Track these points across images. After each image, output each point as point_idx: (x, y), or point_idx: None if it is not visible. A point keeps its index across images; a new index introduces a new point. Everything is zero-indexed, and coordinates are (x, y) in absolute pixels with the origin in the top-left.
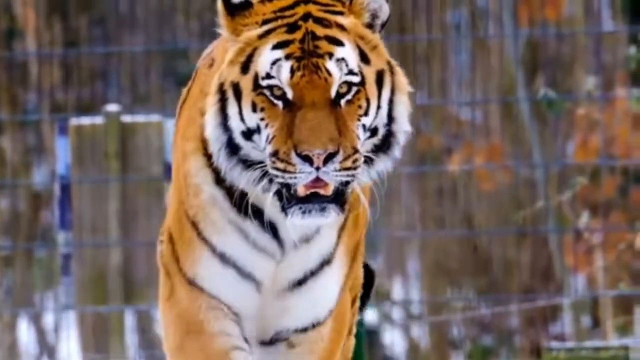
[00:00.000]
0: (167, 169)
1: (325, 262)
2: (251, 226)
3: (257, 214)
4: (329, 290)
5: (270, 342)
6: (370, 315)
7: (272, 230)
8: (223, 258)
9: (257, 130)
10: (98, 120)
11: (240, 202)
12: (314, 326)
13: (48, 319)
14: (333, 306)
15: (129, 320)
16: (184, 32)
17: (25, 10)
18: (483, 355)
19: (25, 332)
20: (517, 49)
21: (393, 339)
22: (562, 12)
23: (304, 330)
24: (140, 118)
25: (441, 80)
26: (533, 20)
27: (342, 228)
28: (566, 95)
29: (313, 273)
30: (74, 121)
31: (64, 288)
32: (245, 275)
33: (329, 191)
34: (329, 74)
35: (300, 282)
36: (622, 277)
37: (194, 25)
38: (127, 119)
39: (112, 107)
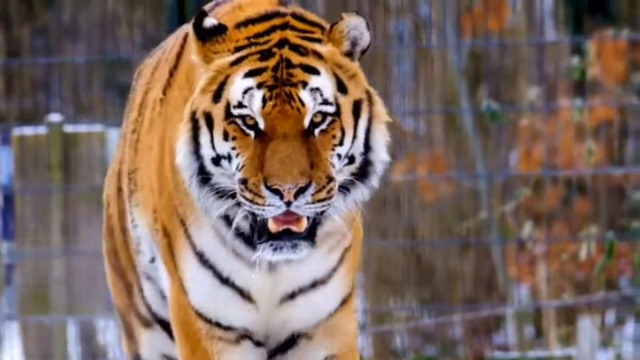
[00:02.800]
0: None
1: (320, 282)
2: (227, 232)
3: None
4: (322, 306)
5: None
6: None
7: (247, 239)
8: (202, 258)
9: (228, 158)
10: (41, 130)
11: None
12: (299, 336)
13: None
14: (324, 317)
15: (72, 330)
16: (127, 43)
17: None
18: None
19: None
20: (461, 59)
21: None
22: (505, 23)
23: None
24: (83, 128)
25: (384, 91)
26: (476, 31)
27: (347, 249)
28: (509, 106)
29: (302, 290)
30: (17, 131)
31: (6, 298)
32: (224, 280)
33: (301, 228)
34: (303, 104)
35: (292, 296)
36: (565, 287)
37: (137, 36)
38: (70, 129)
39: (55, 118)
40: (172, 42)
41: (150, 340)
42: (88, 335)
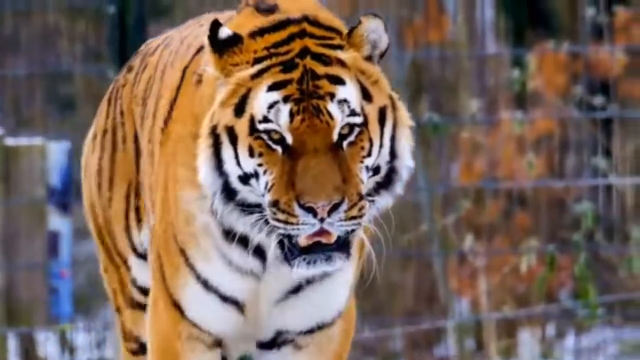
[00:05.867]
0: (51, 192)
1: (310, 282)
2: (235, 251)
3: (243, 239)
4: (335, 292)
5: (274, 346)
6: None
7: (258, 251)
8: (206, 284)
9: (255, 175)
10: None
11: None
12: (320, 328)
13: None
14: (341, 308)
15: (12, 343)
16: (68, 55)
17: None
18: None
19: None
20: (401, 71)
21: None
22: (445, 35)
23: (310, 332)
24: (23, 141)
25: None
26: (417, 43)
27: None
28: (450, 118)
29: (309, 281)
30: None
31: None
32: (226, 299)
33: (331, 239)
34: (331, 117)
35: (297, 289)
36: (505, 300)
37: (78, 48)
38: (10, 142)
39: None
40: (169, 72)
41: None
42: (28, 348)
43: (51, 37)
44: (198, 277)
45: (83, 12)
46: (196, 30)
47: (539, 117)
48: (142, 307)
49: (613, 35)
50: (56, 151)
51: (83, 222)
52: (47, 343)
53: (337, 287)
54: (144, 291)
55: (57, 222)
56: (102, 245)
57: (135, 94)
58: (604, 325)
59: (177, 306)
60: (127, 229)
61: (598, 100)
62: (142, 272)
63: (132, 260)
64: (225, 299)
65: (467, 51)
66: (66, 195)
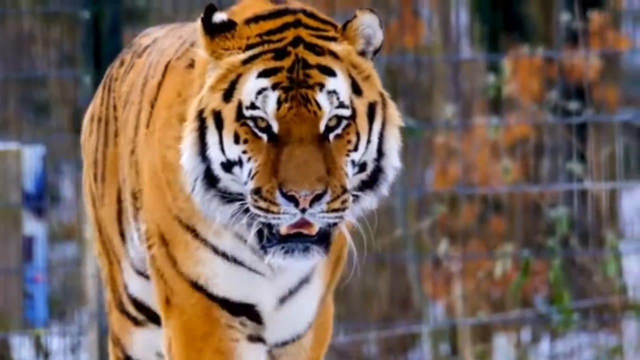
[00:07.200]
0: (25, 196)
1: (304, 281)
2: (246, 232)
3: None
4: (307, 306)
5: None
6: None
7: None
8: (226, 256)
9: (239, 162)
10: None
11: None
12: (293, 340)
13: None
14: (312, 320)
15: None
16: (43, 60)
17: None
18: None
19: None
20: (378, 76)
21: None
22: (420, 39)
23: (284, 344)
24: None
25: None
26: (392, 48)
27: None
28: (425, 123)
29: (292, 292)
30: None
31: None
32: (252, 269)
33: (312, 231)
34: (319, 107)
35: (283, 300)
36: (480, 305)
37: (53, 54)
38: None
39: None
40: (150, 83)
41: (144, 340)
42: (3, 353)
43: (26, 42)
44: (215, 250)
45: (58, 17)
46: (176, 43)
47: (514, 122)
48: (129, 316)
49: (588, 40)
50: (31, 156)
51: (58, 227)
52: (21, 348)
53: (310, 298)
54: (134, 302)
55: (32, 226)
56: (97, 232)
57: (120, 95)
58: (579, 330)
59: (197, 287)
60: (122, 234)
61: (573, 105)
62: (133, 282)
63: (125, 265)
64: (250, 269)
65: (442, 56)
66: (41, 199)
